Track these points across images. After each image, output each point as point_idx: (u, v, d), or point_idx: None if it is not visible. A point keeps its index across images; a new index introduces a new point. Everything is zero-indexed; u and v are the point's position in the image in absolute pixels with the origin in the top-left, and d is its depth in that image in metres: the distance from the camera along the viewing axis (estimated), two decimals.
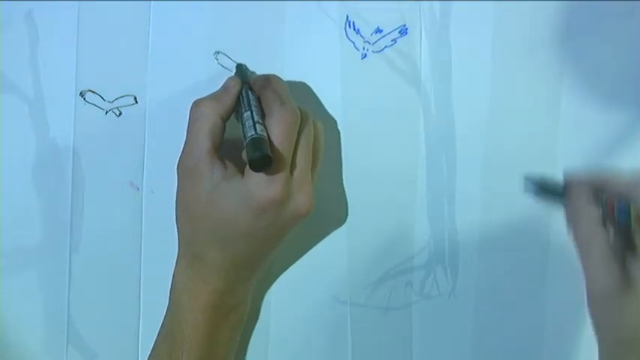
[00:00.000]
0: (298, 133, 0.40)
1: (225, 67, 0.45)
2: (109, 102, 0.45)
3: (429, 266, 0.46)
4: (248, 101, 0.40)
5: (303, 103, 0.41)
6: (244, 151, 0.39)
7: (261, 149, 0.36)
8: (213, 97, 0.41)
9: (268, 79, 0.41)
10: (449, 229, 0.46)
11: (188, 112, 0.40)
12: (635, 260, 0.40)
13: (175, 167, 0.41)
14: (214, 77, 0.45)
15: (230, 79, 0.42)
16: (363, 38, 0.45)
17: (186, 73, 0.45)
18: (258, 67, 0.45)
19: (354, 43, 0.45)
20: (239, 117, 0.40)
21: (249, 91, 0.41)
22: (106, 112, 0.45)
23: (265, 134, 0.38)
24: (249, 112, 0.39)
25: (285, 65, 0.45)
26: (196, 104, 0.40)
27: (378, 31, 0.45)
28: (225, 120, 0.40)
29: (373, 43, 0.45)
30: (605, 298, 0.40)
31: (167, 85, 0.45)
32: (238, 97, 0.41)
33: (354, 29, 0.45)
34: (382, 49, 0.45)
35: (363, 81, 0.45)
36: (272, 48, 0.45)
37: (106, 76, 0.45)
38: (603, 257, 0.39)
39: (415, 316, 0.47)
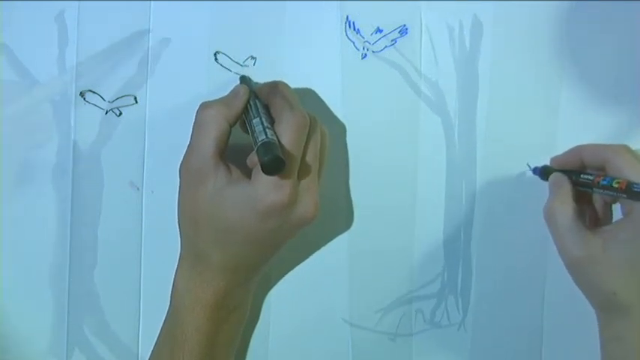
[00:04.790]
0: (307, 138, 0.39)
1: (225, 67, 0.45)
2: (109, 102, 0.45)
3: (441, 295, 0.46)
4: (256, 108, 0.40)
5: (304, 105, 0.41)
6: (249, 157, 0.39)
7: (273, 152, 0.36)
8: (222, 101, 0.41)
9: (276, 85, 0.41)
10: (463, 258, 0.46)
11: (188, 112, 0.40)
12: (605, 230, 0.41)
13: (176, 167, 0.41)
14: (214, 77, 0.45)
15: (239, 86, 0.42)
16: (363, 38, 0.45)
17: (186, 73, 0.45)
18: (258, 67, 0.45)
19: (354, 43, 0.45)
20: (248, 123, 0.40)
21: (256, 99, 0.41)
22: (106, 112, 0.45)
23: (276, 139, 0.38)
24: (258, 119, 0.39)
25: (285, 65, 0.45)
26: (204, 107, 0.40)
27: (378, 31, 0.45)
28: (232, 125, 0.40)
29: (373, 43, 0.45)
30: (576, 267, 0.41)
31: (167, 85, 0.45)
32: (246, 105, 0.41)
33: (354, 29, 0.45)
34: (382, 49, 0.45)
35: (363, 81, 0.45)
36: (272, 48, 0.45)
37: (106, 76, 0.45)
38: (569, 229, 0.41)
39: (420, 344, 0.47)
